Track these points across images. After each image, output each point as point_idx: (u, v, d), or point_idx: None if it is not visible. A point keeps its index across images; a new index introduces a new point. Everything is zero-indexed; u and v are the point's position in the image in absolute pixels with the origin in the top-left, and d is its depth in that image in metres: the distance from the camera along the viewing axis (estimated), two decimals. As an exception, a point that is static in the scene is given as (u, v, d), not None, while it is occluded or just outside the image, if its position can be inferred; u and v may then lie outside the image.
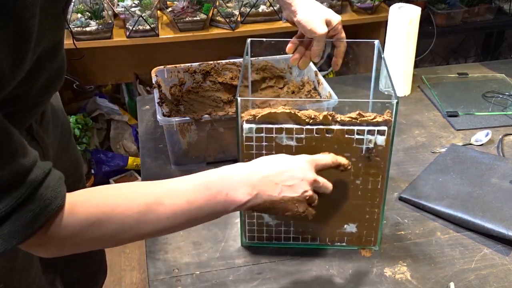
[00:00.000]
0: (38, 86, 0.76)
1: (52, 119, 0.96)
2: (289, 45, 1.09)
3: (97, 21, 2.02)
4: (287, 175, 0.75)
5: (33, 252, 0.67)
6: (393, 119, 0.82)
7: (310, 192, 0.77)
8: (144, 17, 2.02)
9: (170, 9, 2.09)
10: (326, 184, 0.80)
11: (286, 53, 1.12)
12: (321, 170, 0.80)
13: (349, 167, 0.84)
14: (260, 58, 1.31)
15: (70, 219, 0.64)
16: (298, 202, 0.76)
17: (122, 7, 2.07)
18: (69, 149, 1.08)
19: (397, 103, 0.81)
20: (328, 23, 1.04)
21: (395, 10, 1.39)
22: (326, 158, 0.81)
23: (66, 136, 1.06)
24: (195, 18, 2.06)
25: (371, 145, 0.84)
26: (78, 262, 1.20)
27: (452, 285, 0.87)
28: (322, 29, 1.02)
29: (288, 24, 1.13)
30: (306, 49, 1.10)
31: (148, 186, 0.70)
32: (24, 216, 0.60)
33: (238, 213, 0.94)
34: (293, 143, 0.84)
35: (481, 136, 1.25)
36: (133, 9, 2.07)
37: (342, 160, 0.83)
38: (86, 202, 0.65)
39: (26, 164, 0.61)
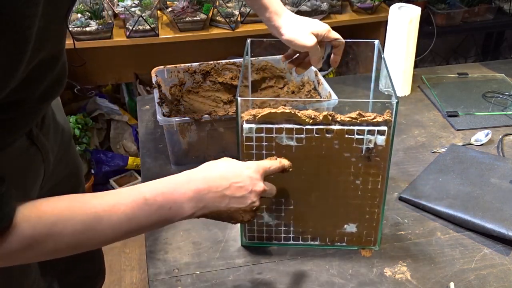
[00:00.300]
0: (39, 93, 0.76)
1: (53, 123, 0.96)
2: (283, 56, 1.12)
3: (97, 21, 2.02)
4: (236, 187, 0.75)
5: None
6: (393, 119, 0.82)
7: (257, 203, 0.77)
8: (144, 17, 2.02)
9: (170, 9, 2.09)
10: (271, 190, 0.82)
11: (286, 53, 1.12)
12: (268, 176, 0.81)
13: (290, 169, 0.84)
14: (260, 58, 1.31)
15: (8, 240, 0.63)
16: (245, 212, 0.77)
17: (122, 7, 2.07)
18: (69, 154, 1.07)
19: (397, 103, 0.81)
20: (316, 35, 1.04)
21: (395, 10, 1.39)
22: (274, 164, 0.82)
23: (66, 141, 1.05)
24: (195, 18, 2.06)
25: (371, 145, 0.84)
26: (77, 264, 1.20)
27: (452, 285, 0.87)
28: (310, 41, 1.03)
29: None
30: (303, 58, 1.11)
31: (86, 202, 0.68)
32: None
33: (238, 213, 0.94)
34: (293, 143, 0.84)
35: (481, 136, 1.25)
36: (133, 9, 2.07)
37: (286, 162, 0.84)
38: (24, 223, 0.64)
39: None
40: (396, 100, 0.80)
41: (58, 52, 0.77)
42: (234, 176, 0.76)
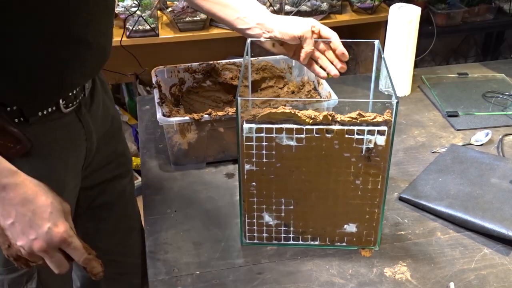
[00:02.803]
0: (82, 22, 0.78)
1: (103, 110, 1.02)
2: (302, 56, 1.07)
3: (97, 21, 2.01)
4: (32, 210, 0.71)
5: None
6: (393, 119, 0.82)
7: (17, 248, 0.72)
8: (144, 17, 2.02)
9: (170, 9, 2.09)
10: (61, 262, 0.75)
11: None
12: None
13: (99, 276, 0.77)
14: (260, 58, 1.31)
15: None
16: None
17: (122, 7, 2.07)
18: (117, 142, 1.11)
19: (397, 103, 0.81)
20: (305, 27, 1.04)
21: (395, 10, 1.39)
22: (79, 251, 0.75)
23: (116, 129, 1.10)
24: (195, 18, 2.06)
25: (371, 145, 0.84)
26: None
27: (452, 285, 0.87)
28: (304, 28, 1.03)
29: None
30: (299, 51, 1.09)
31: None
32: None
33: (238, 213, 0.94)
34: (293, 143, 0.84)
35: (481, 136, 1.25)
36: (133, 9, 2.07)
37: (95, 269, 0.77)
38: None
39: None
40: (396, 100, 0.80)
41: None
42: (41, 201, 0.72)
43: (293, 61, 1.31)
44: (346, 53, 1.05)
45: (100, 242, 1.04)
